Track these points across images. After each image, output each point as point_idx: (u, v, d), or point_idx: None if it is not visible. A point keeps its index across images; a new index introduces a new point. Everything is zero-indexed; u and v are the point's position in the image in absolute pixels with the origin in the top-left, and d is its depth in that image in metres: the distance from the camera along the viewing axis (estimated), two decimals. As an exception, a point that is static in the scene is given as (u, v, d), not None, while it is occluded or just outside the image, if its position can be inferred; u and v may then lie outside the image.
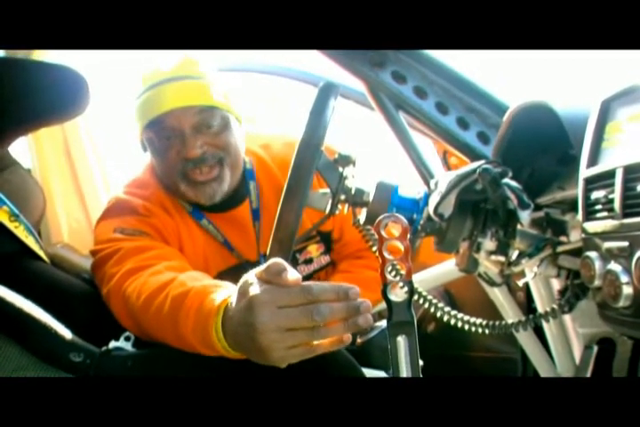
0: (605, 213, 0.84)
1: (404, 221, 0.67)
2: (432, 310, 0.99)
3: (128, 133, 1.51)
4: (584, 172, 0.90)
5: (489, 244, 1.02)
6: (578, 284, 0.97)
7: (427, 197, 1.05)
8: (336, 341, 0.75)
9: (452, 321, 1.00)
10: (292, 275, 0.74)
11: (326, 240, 1.52)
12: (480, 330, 1.00)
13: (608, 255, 0.83)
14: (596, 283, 0.85)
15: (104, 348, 1.08)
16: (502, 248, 1.02)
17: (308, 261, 1.50)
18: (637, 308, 0.79)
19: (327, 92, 0.99)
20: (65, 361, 1.02)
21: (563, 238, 1.03)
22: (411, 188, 1.07)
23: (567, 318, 1.26)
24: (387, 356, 0.66)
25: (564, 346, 1.32)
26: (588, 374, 1.16)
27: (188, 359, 1.02)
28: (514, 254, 1.04)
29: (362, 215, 1.06)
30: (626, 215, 0.80)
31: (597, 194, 0.86)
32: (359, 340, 1.35)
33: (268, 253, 0.99)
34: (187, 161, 1.32)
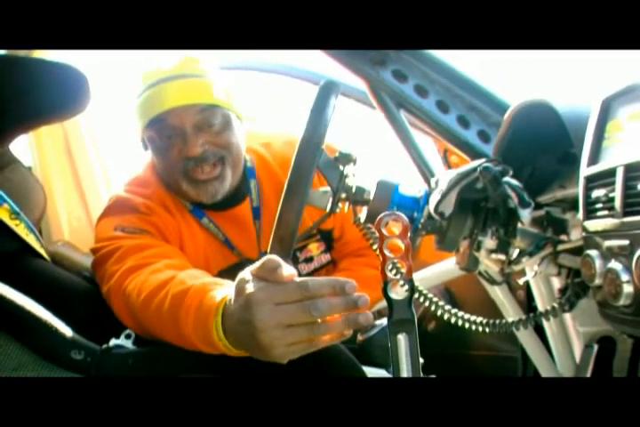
0: (606, 212, 0.84)
1: (405, 219, 0.67)
2: (432, 308, 0.98)
3: (129, 132, 1.51)
4: (585, 170, 0.90)
5: (489, 242, 1.02)
6: (578, 282, 0.97)
7: (427, 195, 1.05)
8: (336, 335, 0.75)
9: (453, 319, 1.00)
10: (287, 271, 0.74)
11: (327, 239, 1.52)
12: (480, 328, 1.00)
13: (609, 254, 0.83)
14: (597, 281, 0.85)
15: (105, 346, 1.09)
16: (503, 247, 1.02)
17: (309, 260, 1.50)
18: (638, 306, 0.79)
19: (328, 90, 0.99)
20: (66, 359, 1.02)
21: (563, 237, 1.03)
22: (411, 186, 1.07)
23: (567, 316, 1.26)
24: (387, 354, 0.66)
25: (565, 345, 1.32)
26: (589, 373, 1.16)
27: (188, 357, 1.03)
28: (514, 253, 1.04)
29: (362, 214, 1.06)
30: (626, 214, 0.80)
31: (598, 192, 0.86)
32: (360, 338, 1.36)
33: (268, 251, 0.99)
34: (188, 160, 1.32)
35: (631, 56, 1.01)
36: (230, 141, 1.35)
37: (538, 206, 1.07)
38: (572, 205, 1.03)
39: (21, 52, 1.55)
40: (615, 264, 0.81)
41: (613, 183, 0.82)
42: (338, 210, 1.06)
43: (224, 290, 0.90)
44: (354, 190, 1.06)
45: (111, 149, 2.16)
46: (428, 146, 1.57)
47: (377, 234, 0.67)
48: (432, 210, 1.01)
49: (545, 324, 1.33)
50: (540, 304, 1.32)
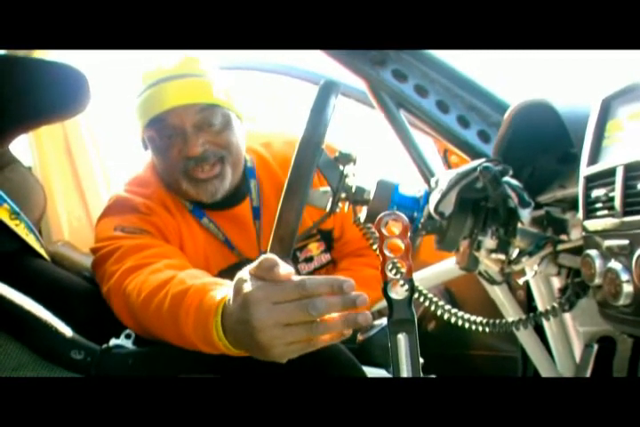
0: (606, 212, 0.84)
1: (405, 218, 0.67)
2: (432, 308, 0.99)
3: (129, 131, 1.51)
4: (584, 170, 0.90)
5: (489, 242, 1.02)
6: (578, 282, 0.97)
7: (427, 195, 1.05)
8: (336, 334, 0.75)
9: (453, 319, 1.00)
10: (285, 269, 0.74)
11: (327, 238, 1.52)
12: (480, 328, 1.00)
13: (608, 253, 0.83)
14: (597, 281, 0.85)
15: (105, 346, 1.09)
16: (503, 246, 1.02)
17: (309, 260, 1.50)
18: (638, 306, 0.79)
19: (328, 90, 0.99)
20: (66, 359, 1.02)
21: (563, 237, 1.03)
22: (411, 186, 1.07)
23: (567, 316, 1.26)
24: (387, 354, 0.66)
25: (565, 344, 1.32)
26: (589, 373, 1.16)
27: (188, 357, 1.02)
28: (514, 253, 1.04)
29: (362, 213, 1.06)
30: (626, 213, 0.80)
31: (598, 192, 0.86)
32: (360, 337, 1.36)
33: (268, 251, 0.98)
34: (188, 159, 1.32)
35: (631, 56, 1.01)
36: (230, 141, 1.35)
37: (538, 206, 1.07)
38: (571, 204, 1.03)
39: (21, 52, 1.55)
40: (615, 264, 0.81)
41: (613, 183, 0.82)
42: (338, 210, 1.06)
43: (224, 290, 0.90)
44: (354, 190, 1.06)
45: (111, 149, 2.16)
46: (428, 146, 1.57)
47: (377, 234, 0.67)
48: (432, 210, 1.01)
49: (545, 324, 1.33)
50: (540, 304, 1.32)
